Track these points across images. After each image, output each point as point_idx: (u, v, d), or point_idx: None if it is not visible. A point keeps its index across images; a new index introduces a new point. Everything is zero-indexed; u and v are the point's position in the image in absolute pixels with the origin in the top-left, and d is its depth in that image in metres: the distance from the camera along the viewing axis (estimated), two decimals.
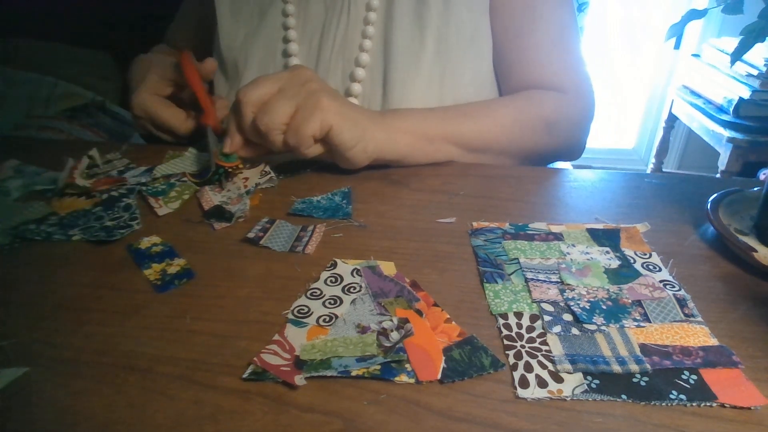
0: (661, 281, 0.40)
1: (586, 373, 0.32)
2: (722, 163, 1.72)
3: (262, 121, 0.49)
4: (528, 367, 0.32)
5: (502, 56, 0.66)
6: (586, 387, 0.31)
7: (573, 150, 0.67)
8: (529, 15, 0.64)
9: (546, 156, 0.66)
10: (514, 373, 0.32)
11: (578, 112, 0.65)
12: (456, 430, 0.28)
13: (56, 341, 0.33)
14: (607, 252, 0.43)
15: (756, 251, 0.42)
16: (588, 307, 0.37)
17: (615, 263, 0.42)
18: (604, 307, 0.37)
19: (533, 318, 0.36)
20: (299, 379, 0.30)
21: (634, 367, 0.32)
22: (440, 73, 0.63)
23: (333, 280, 0.39)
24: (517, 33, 0.64)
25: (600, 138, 2.44)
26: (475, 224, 0.47)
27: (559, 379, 0.31)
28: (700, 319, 0.36)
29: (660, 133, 2.17)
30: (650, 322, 0.36)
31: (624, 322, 0.36)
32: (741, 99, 1.67)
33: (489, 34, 0.65)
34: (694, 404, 0.30)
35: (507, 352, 0.33)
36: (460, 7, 0.63)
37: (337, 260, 0.41)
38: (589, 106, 0.66)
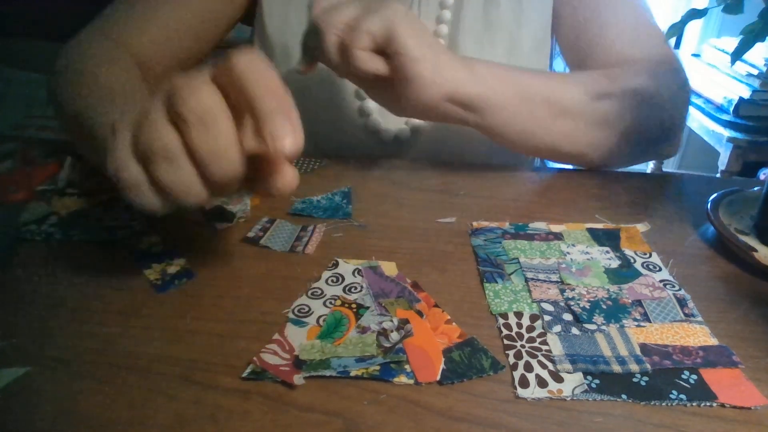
0: (661, 281, 0.40)
1: (586, 373, 0.32)
2: (722, 163, 1.72)
3: (321, 18, 0.45)
4: (528, 367, 0.32)
5: (580, 37, 0.62)
6: (586, 387, 0.31)
7: (675, 130, 0.60)
8: None
9: (650, 138, 0.58)
10: (514, 373, 0.32)
11: (678, 84, 0.59)
12: (456, 430, 0.28)
13: (56, 341, 0.33)
14: (607, 252, 0.43)
15: (756, 251, 0.42)
16: (588, 307, 0.37)
17: (615, 263, 0.42)
18: (604, 306, 0.37)
19: (533, 318, 0.36)
20: (298, 379, 0.30)
21: (634, 367, 0.32)
22: None
23: (334, 279, 0.39)
24: (595, 11, 0.61)
25: None
26: (475, 224, 0.47)
27: (559, 379, 0.31)
28: (700, 319, 0.36)
29: None
30: (650, 322, 0.36)
31: (624, 321, 0.36)
32: (741, 99, 1.67)
33: (549, 36, 0.64)
34: (694, 404, 0.30)
35: (507, 351, 0.33)
36: (531, 8, 0.61)
37: (339, 260, 0.41)
38: (686, 78, 0.60)
